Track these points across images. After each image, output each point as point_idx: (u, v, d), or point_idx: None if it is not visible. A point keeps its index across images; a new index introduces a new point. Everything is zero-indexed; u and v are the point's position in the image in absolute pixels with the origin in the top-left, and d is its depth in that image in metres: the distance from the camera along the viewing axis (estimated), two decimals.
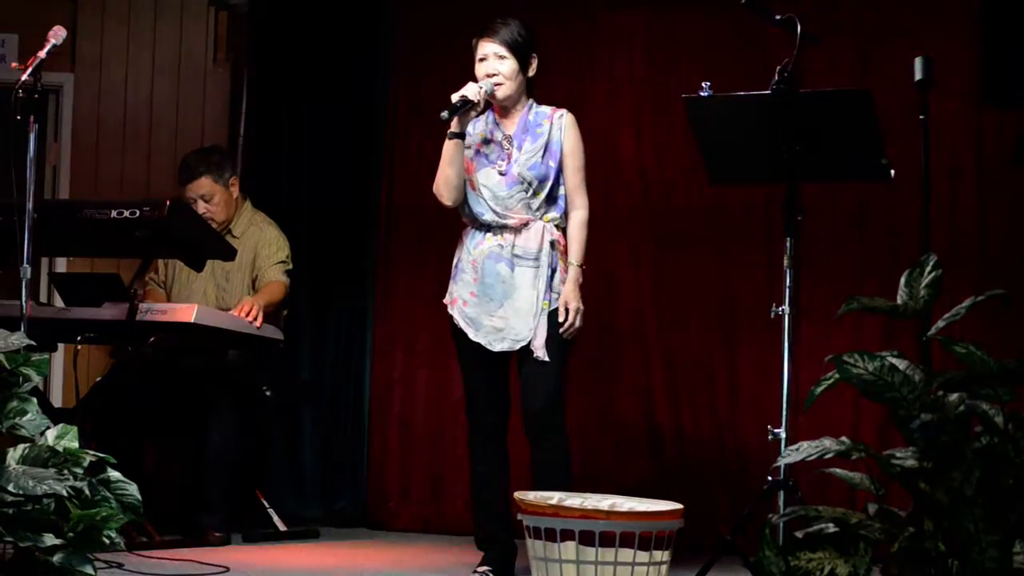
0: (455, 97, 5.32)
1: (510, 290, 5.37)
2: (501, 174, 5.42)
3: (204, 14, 7.75)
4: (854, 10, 6.67)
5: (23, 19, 7.45)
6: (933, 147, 5.13)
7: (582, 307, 5.39)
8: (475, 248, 5.45)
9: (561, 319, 5.35)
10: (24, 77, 5.20)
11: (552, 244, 5.41)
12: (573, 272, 5.40)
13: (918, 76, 5.01)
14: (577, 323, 5.37)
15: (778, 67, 5.02)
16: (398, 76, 7.44)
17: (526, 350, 5.36)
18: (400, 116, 7.42)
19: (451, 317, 5.50)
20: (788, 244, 5.13)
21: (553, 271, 5.40)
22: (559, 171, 5.45)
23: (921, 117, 5.01)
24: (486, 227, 5.44)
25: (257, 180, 7.38)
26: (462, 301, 5.46)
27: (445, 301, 5.54)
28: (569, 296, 5.37)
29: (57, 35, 5.38)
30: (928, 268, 3.70)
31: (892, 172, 5.12)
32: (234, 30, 7.76)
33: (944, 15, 6.52)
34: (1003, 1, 6.31)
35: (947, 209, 6.42)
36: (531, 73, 5.50)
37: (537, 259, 5.38)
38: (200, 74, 7.75)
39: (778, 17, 5.14)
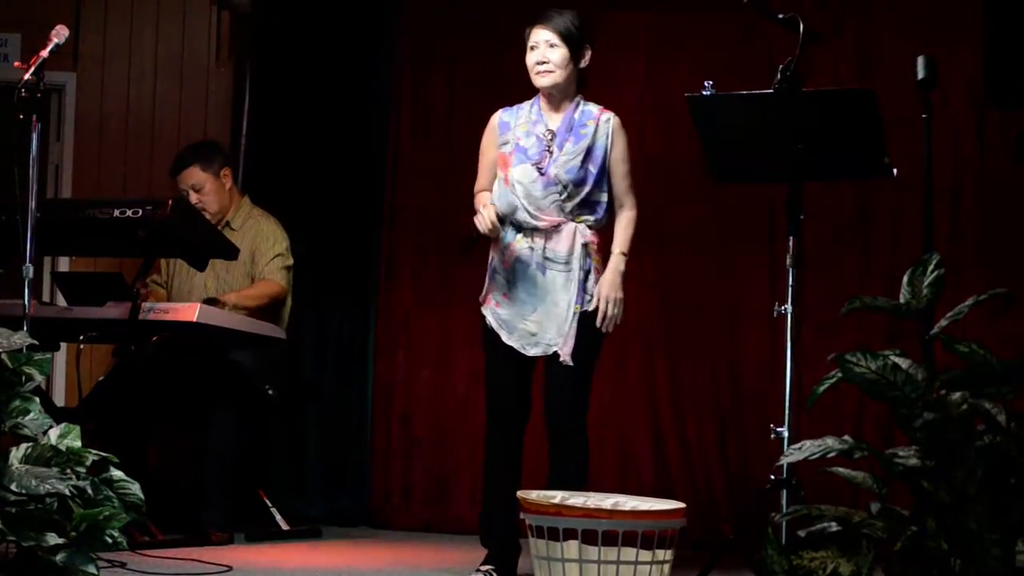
0: (480, 224, 5.27)
1: (543, 294, 5.28)
2: (540, 172, 5.32)
3: (207, 13, 7.74)
4: (857, 8, 6.67)
5: (26, 18, 7.44)
6: (936, 146, 5.12)
7: (622, 296, 5.29)
8: (507, 249, 5.34)
9: (593, 306, 5.26)
10: (27, 76, 5.20)
11: (584, 246, 5.31)
12: (615, 260, 5.32)
13: (920, 75, 5.01)
14: (614, 312, 5.27)
15: (781, 66, 5.02)
16: (402, 75, 7.43)
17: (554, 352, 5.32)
18: (403, 115, 7.41)
19: (483, 317, 5.42)
20: (791, 243, 5.13)
21: (586, 274, 5.31)
22: (600, 176, 5.36)
23: (924, 116, 5.02)
24: (517, 226, 5.35)
25: (260, 179, 7.38)
26: (495, 302, 5.37)
27: (480, 299, 5.45)
28: (606, 284, 5.27)
29: (60, 34, 5.38)
30: (931, 267, 3.70)
31: (895, 171, 5.12)
32: (237, 29, 7.75)
33: (947, 14, 6.52)
34: (1006, 0, 6.31)
35: (950, 208, 6.42)
36: (583, 64, 5.39)
37: (568, 263, 5.28)
38: (203, 73, 7.74)
39: (781, 16, 5.13)
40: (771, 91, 5.04)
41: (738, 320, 6.74)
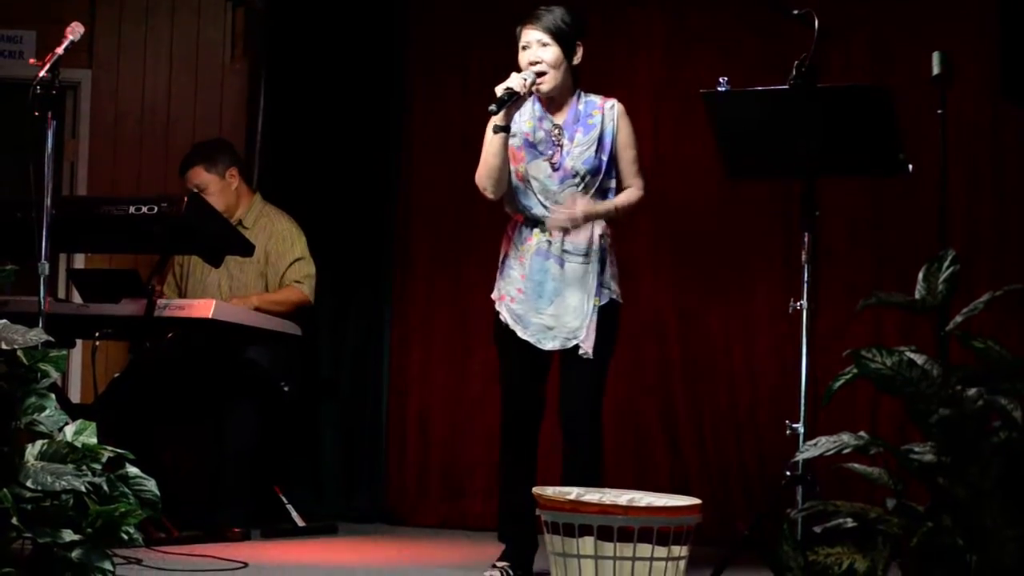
0: (500, 89, 5.18)
1: (560, 287, 5.27)
2: (554, 167, 5.32)
3: (221, 11, 7.75)
4: (872, 4, 6.65)
5: (41, 15, 7.46)
6: (951, 142, 5.11)
7: (581, 215, 5.24)
8: (522, 244, 5.34)
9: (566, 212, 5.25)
10: (42, 73, 5.20)
11: (601, 237, 5.31)
12: (607, 204, 5.31)
13: (935, 71, 5.01)
14: (564, 220, 5.24)
15: (796, 62, 5.01)
16: (415, 72, 7.43)
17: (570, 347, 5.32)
18: (417, 112, 7.42)
19: (498, 313, 5.40)
20: (806, 239, 5.13)
21: (603, 265, 5.32)
22: (609, 164, 5.36)
23: (939, 112, 5.01)
24: (534, 222, 5.34)
25: (275, 177, 7.39)
26: (509, 298, 5.35)
27: (493, 297, 5.42)
28: (586, 201, 5.26)
29: (75, 32, 5.38)
30: (946, 263, 3.70)
31: (910, 167, 5.11)
32: (251, 27, 7.76)
33: (962, 9, 6.50)
34: None
35: (965, 204, 6.40)
36: (576, 61, 5.35)
37: (587, 255, 5.28)
38: (217, 71, 7.75)
39: (796, 11, 5.13)
40: (786, 87, 5.04)
41: (753, 316, 6.73)
